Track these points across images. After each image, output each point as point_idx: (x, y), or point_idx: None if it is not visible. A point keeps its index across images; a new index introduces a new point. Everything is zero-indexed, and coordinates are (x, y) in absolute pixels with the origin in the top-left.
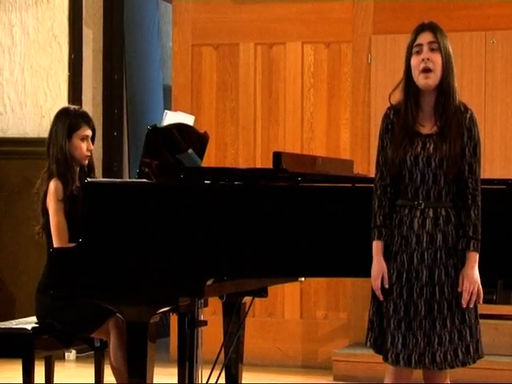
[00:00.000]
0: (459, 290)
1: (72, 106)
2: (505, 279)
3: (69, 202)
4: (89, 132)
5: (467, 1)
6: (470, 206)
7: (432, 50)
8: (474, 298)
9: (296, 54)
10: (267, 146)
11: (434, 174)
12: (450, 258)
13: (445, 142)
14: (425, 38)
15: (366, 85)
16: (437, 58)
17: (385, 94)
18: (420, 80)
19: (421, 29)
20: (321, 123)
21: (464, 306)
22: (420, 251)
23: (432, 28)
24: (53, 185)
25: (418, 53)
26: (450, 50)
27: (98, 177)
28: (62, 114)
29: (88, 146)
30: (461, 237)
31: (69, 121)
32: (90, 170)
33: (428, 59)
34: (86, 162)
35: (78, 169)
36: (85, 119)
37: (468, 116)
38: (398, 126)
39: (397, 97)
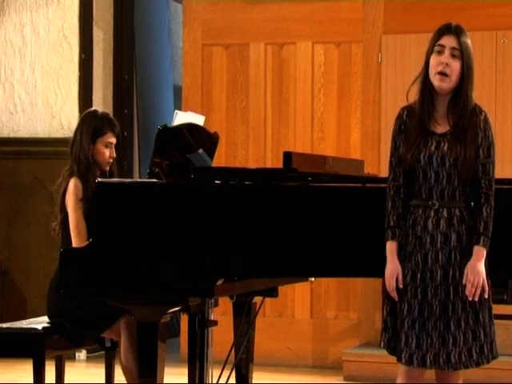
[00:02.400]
0: (464, 282)
1: (100, 111)
2: None
3: (87, 203)
4: (113, 139)
5: (478, 0)
6: (483, 204)
7: (453, 56)
8: (478, 291)
9: (306, 54)
10: (277, 146)
11: (448, 174)
12: (464, 258)
13: (460, 143)
14: (449, 41)
15: (377, 84)
16: (456, 66)
17: (395, 93)
18: (435, 81)
19: (447, 30)
20: (331, 123)
21: (469, 298)
22: (434, 251)
23: (458, 32)
24: (73, 183)
25: (439, 53)
26: (472, 57)
27: None
28: (89, 117)
29: (111, 153)
30: (472, 234)
31: (94, 125)
32: (111, 176)
33: (447, 65)
34: (108, 168)
35: (98, 173)
36: (111, 126)
37: (482, 118)
38: (412, 124)
39: (413, 93)
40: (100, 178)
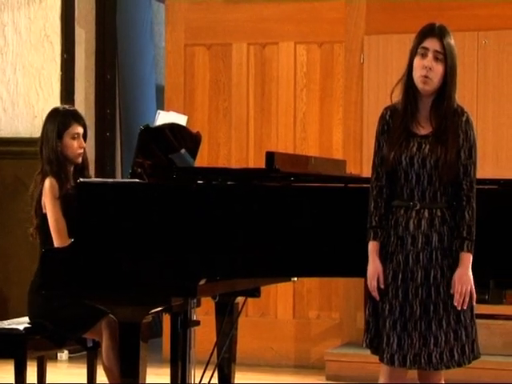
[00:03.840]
0: (452, 291)
1: (62, 106)
2: (497, 279)
3: (64, 201)
4: (79, 129)
5: (460, 1)
6: (465, 207)
7: (436, 59)
8: (466, 300)
9: (289, 54)
10: (260, 146)
11: (429, 175)
12: (445, 258)
13: (441, 144)
14: (432, 44)
15: (359, 85)
16: (439, 69)
17: (377, 94)
18: (418, 83)
19: (430, 32)
20: (313, 123)
21: (458, 308)
22: (415, 252)
23: (441, 34)
24: (48, 182)
25: (423, 56)
26: (455, 59)
27: (92, 174)
28: (52, 115)
29: (80, 144)
30: (455, 237)
31: (58, 120)
32: (83, 167)
33: (430, 69)
34: (80, 159)
35: (71, 168)
36: (74, 117)
37: (464, 119)
38: (395, 124)
39: (397, 93)
40: (74, 172)
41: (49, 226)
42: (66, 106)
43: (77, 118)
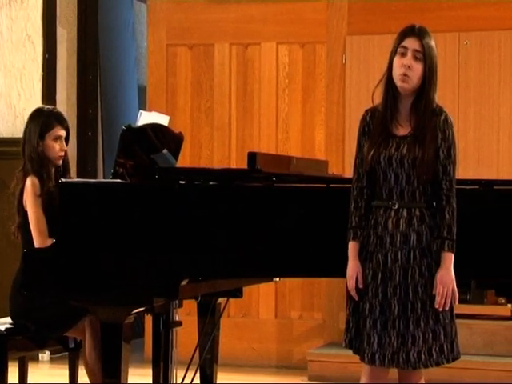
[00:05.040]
0: (433, 292)
1: (46, 107)
2: (478, 279)
3: (45, 199)
4: (62, 132)
5: (441, 2)
6: (445, 206)
7: (416, 58)
8: (448, 301)
9: (271, 55)
10: (242, 147)
11: (407, 175)
12: (424, 257)
13: (418, 143)
14: (412, 43)
15: (341, 85)
16: (418, 68)
17: (359, 94)
18: (397, 81)
19: (410, 32)
20: (296, 123)
21: (439, 309)
22: (394, 251)
23: (421, 35)
24: (29, 181)
25: (403, 55)
26: (435, 59)
27: (73, 177)
28: (36, 114)
29: (61, 147)
30: (435, 238)
31: (41, 121)
32: (64, 170)
33: (409, 67)
34: (60, 162)
35: (53, 169)
36: (58, 119)
37: (442, 118)
38: (375, 125)
39: (378, 94)
40: (55, 173)
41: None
42: (51, 107)
43: (60, 120)
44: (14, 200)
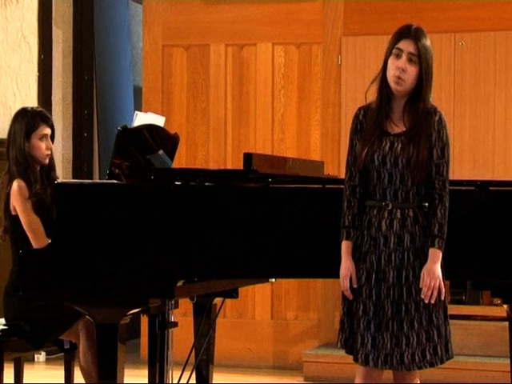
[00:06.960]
0: (420, 285)
1: (30, 106)
2: (474, 280)
3: (35, 201)
4: (47, 131)
5: (437, 3)
6: (437, 205)
7: (410, 60)
8: (435, 294)
9: (266, 55)
10: (238, 147)
11: (401, 175)
12: (417, 258)
13: (413, 143)
14: (407, 45)
15: (337, 86)
16: (412, 71)
17: (355, 95)
18: (391, 82)
19: (406, 33)
20: (291, 124)
21: (425, 301)
22: (387, 252)
23: (417, 36)
24: (16, 184)
25: (397, 56)
26: (431, 61)
27: (58, 175)
28: (20, 115)
29: (48, 145)
30: (427, 236)
31: (26, 121)
32: (50, 168)
33: (403, 70)
34: (47, 160)
35: (38, 168)
36: (42, 118)
37: (437, 118)
38: (369, 123)
39: (372, 92)
40: (40, 172)
41: (19, 228)
42: (34, 107)
43: (45, 118)
44: (0, 204)
